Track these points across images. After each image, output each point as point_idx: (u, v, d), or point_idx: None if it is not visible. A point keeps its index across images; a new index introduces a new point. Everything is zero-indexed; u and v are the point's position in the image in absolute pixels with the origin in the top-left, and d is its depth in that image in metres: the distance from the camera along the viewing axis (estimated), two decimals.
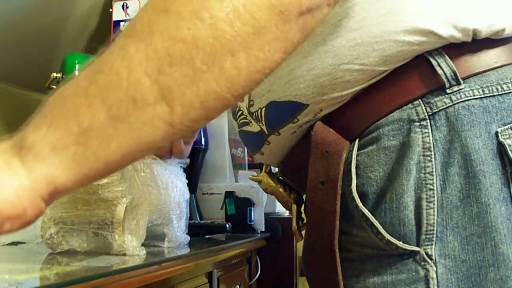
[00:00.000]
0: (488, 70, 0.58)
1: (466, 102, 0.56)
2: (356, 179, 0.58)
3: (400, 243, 0.56)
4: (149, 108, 0.44)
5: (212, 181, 1.44)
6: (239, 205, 1.35)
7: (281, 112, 0.62)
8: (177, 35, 0.44)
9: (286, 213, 1.53)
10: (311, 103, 0.60)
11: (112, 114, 0.44)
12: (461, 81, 0.57)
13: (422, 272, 0.55)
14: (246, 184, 1.39)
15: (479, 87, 0.57)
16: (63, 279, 0.56)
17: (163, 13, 0.44)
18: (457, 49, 0.58)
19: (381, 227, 0.56)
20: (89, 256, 0.74)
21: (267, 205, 1.42)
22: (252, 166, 1.61)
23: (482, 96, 0.57)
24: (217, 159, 1.47)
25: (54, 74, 1.03)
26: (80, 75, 0.47)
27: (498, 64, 0.58)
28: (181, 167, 0.93)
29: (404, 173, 0.56)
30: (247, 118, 0.67)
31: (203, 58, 0.44)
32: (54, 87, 1.05)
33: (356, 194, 0.57)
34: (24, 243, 0.88)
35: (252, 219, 1.35)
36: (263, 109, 0.64)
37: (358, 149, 0.59)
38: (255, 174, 1.45)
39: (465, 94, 0.57)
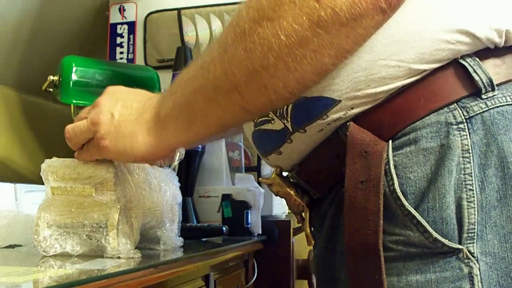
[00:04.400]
0: None
1: (500, 108, 0.59)
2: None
3: (446, 241, 0.57)
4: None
5: (209, 184, 1.43)
6: (236, 208, 1.35)
7: (311, 108, 0.63)
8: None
9: (283, 216, 1.53)
10: (344, 99, 0.61)
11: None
12: (495, 88, 0.59)
13: (466, 270, 0.57)
14: (242, 187, 1.39)
15: (510, 93, 0.60)
16: (59, 283, 0.56)
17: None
18: (487, 56, 0.60)
19: (428, 226, 0.57)
20: (84, 259, 0.74)
21: (264, 208, 1.42)
22: (249, 169, 1.60)
23: None
24: (214, 162, 1.47)
25: (51, 77, 1.03)
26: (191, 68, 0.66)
27: None
28: (173, 169, 0.93)
29: (446, 174, 0.58)
30: (269, 115, 0.67)
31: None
32: (51, 90, 1.04)
33: (401, 193, 0.58)
34: (21, 246, 0.88)
35: (249, 222, 1.35)
36: (290, 106, 0.64)
37: (393, 150, 0.60)
38: (252, 177, 1.44)
39: (498, 100, 0.59)
